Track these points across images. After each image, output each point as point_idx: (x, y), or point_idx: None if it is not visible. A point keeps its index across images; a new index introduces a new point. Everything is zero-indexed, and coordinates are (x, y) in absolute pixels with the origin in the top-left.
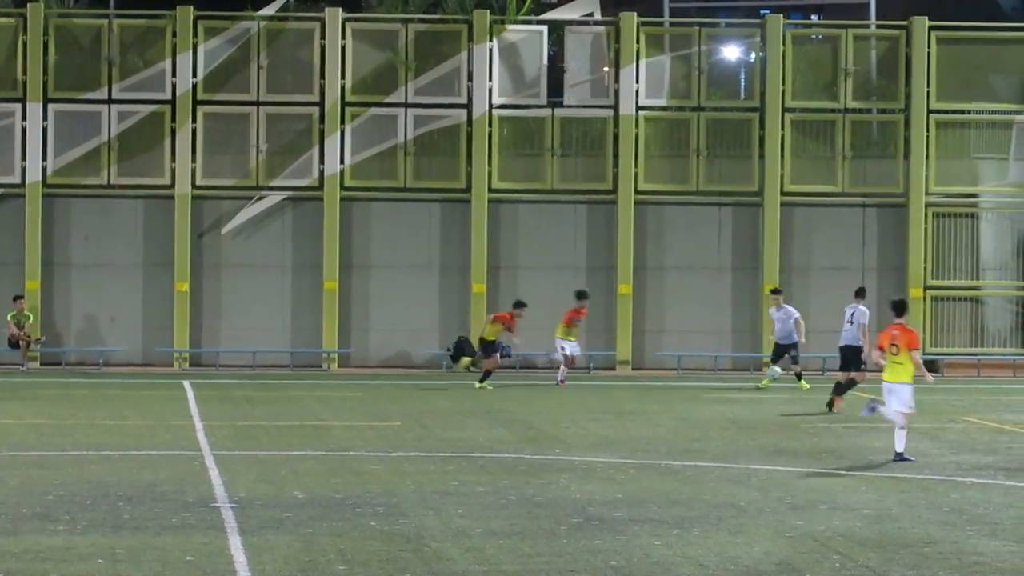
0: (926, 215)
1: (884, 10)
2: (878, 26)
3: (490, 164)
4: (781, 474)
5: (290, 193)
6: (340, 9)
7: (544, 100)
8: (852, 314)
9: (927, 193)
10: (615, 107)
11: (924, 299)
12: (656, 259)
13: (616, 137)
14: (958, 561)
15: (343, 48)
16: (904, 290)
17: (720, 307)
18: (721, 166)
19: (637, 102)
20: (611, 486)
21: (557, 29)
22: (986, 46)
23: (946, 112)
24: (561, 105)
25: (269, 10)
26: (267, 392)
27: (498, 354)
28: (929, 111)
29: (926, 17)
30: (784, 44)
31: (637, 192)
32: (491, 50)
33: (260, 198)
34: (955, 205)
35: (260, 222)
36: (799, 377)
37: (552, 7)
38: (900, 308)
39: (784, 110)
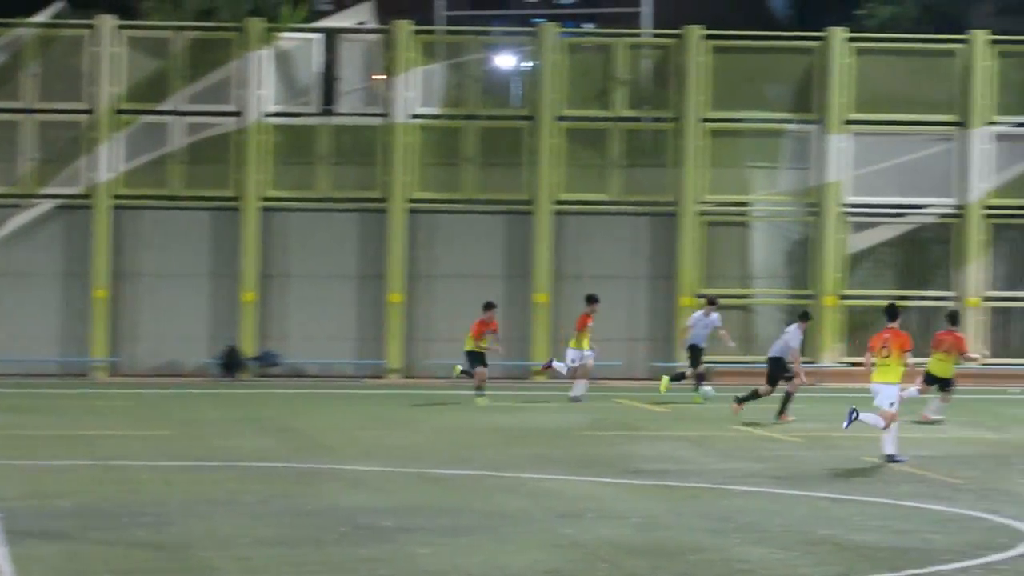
0: (697, 224)
1: (658, 19)
2: (652, 35)
3: (263, 172)
4: (551, 482)
5: (60, 201)
6: (112, 16)
7: (317, 108)
8: (785, 331)
9: (698, 202)
10: (388, 115)
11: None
12: (428, 267)
13: (389, 145)
14: (725, 569)
15: (115, 55)
16: (674, 298)
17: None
18: (494, 174)
19: (410, 110)
20: (380, 495)
21: (331, 37)
22: (759, 55)
23: (719, 121)
24: (334, 113)
25: (41, 17)
26: (34, 401)
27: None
28: (701, 120)
29: (699, 26)
30: (557, 53)
31: (410, 200)
32: (264, 58)
33: (27, 207)
34: (726, 214)
35: (30, 230)
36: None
37: (326, 15)
38: (893, 313)
39: (557, 119)
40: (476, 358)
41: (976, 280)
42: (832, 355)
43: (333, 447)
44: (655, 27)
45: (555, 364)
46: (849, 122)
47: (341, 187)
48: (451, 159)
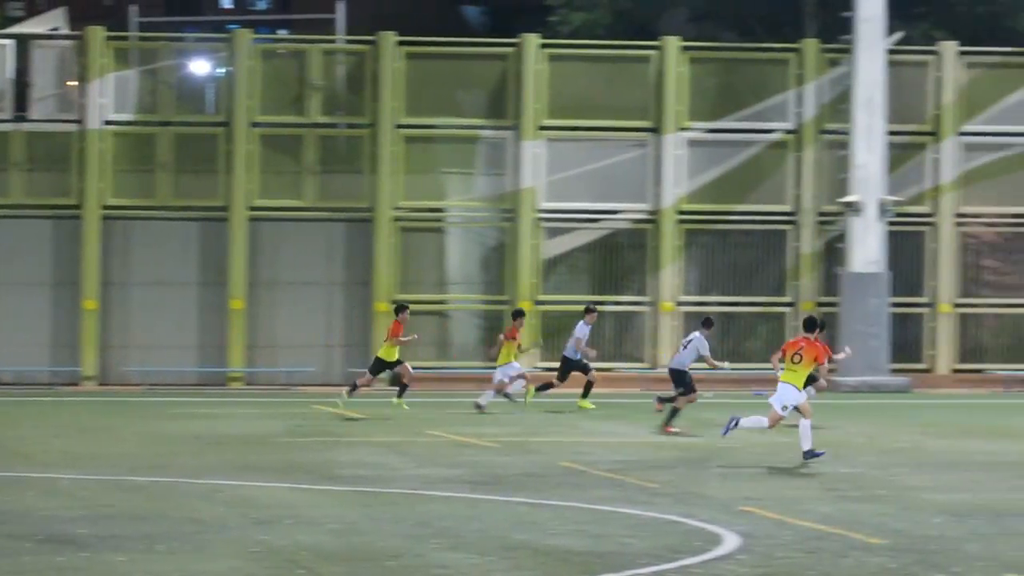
0: (393, 230)
1: (353, 26)
2: (347, 41)
3: None
4: (247, 489)
5: None
6: None
7: (10, 115)
8: (690, 341)
9: (394, 208)
10: (82, 122)
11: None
12: (123, 274)
13: (83, 152)
14: (423, 574)
15: None
16: (370, 304)
17: (186, 322)
18: (189, 181)
19: (104, 116)
20: (74, 502)
21: (23, 43)
22: (454, 62)
23: (413, 127)
24: (27, 119)
25: None
26: None
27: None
28: (396, 126)
29: (393, 33)
30: (251, 59)
31: (104, 207)
32: None
33: None
34: (422, 220)
35: None
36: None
37: (18, 21)
38: (811, 324)
39: (251, 125)
40: (387, 365)
41: (670, 285)
42: (528, 360)
43: (28, 455)
44: (349, 33)
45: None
46: (543, 128)
47: (34, 193)
48: (146, 165)
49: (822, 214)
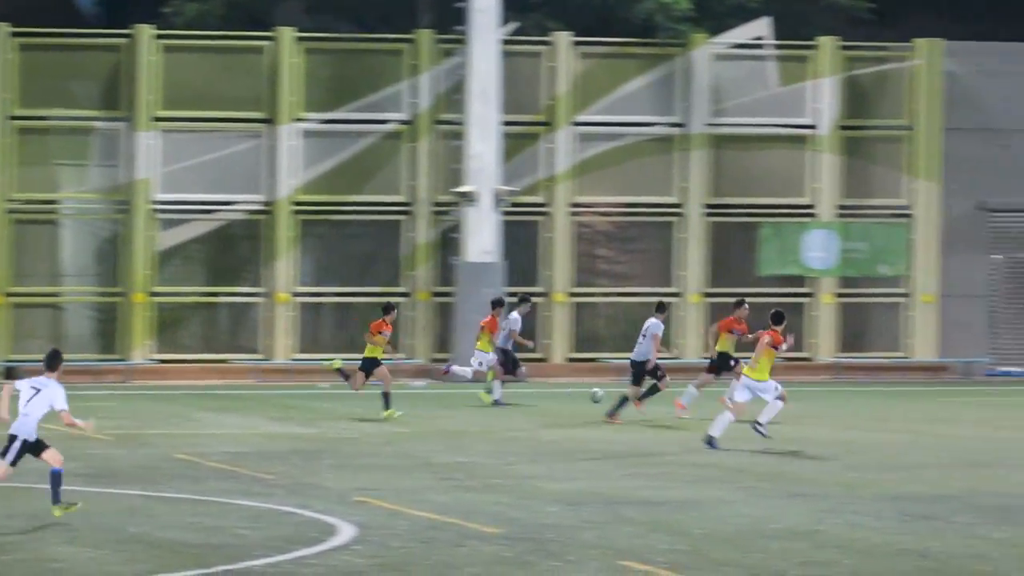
0: (6, 222)
1: None
2: None
3: None
4: None
5: None
6: None
7: None
8: (647, 329)
9: (6, 200)
10: None
11: (3, 306)
12: None
13: None
14: (37, 568)
15: None
16: None
17: None
18: None
19: None
20: None
21: None
22: (67, 52)
23: (26, 118)
24: None
25: None
26: None
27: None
28: (9, 117)
29: (5, 23)
30: None
31: None
32: None
33: None
34: (35, 212)
35: None
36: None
37: None
38: (778, 319)
39: None
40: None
41: (285, 276)
42: (143, 352)
43: None
44: None
45: (455, 368)
46: (158, 119)
47: None
48: None
49: (437, 204)
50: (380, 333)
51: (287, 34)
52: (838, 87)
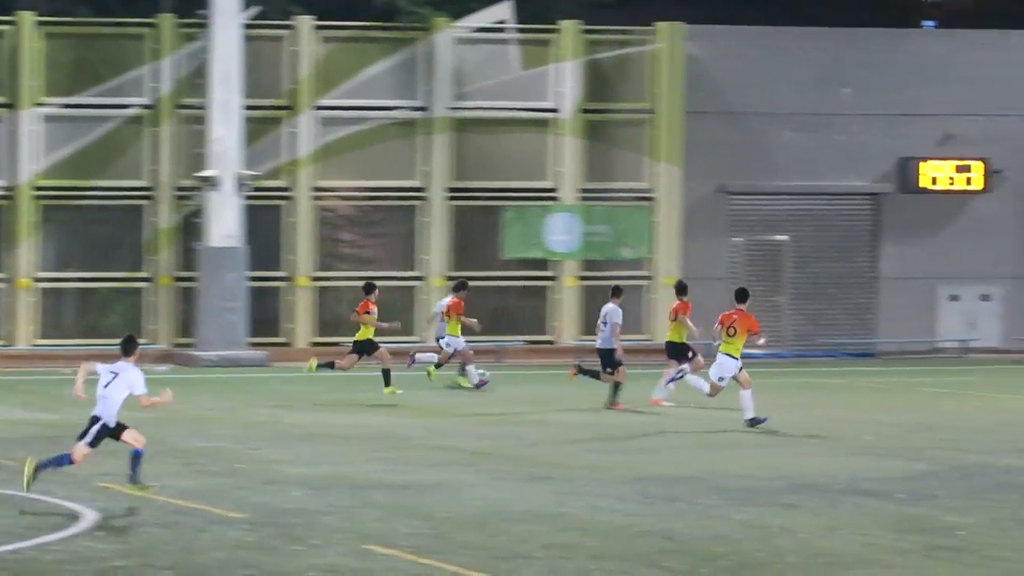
0: None
1: None
2: None
3: None
4: None
5: None
6: None
7: None
8: (605, 315)
9: None
10: None
11: None
12: None
13: None
14: None
15: None
16: None
17: None
18: None
19: None
20: None
21: None
22: None
23: None
24: None
25: None
26: None
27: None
28: None
29: None
30: None
31: None
32: None
33: None
34: None
35: None
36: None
37: None
38: (742, 296)
39: None
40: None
41: (27, 261)
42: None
43: None
44: None
45: (419, 356)
46: None
47: None
48: None
49: (180, 189)
50: (367, 313)
51: (27, 18)
52: (580, 71)
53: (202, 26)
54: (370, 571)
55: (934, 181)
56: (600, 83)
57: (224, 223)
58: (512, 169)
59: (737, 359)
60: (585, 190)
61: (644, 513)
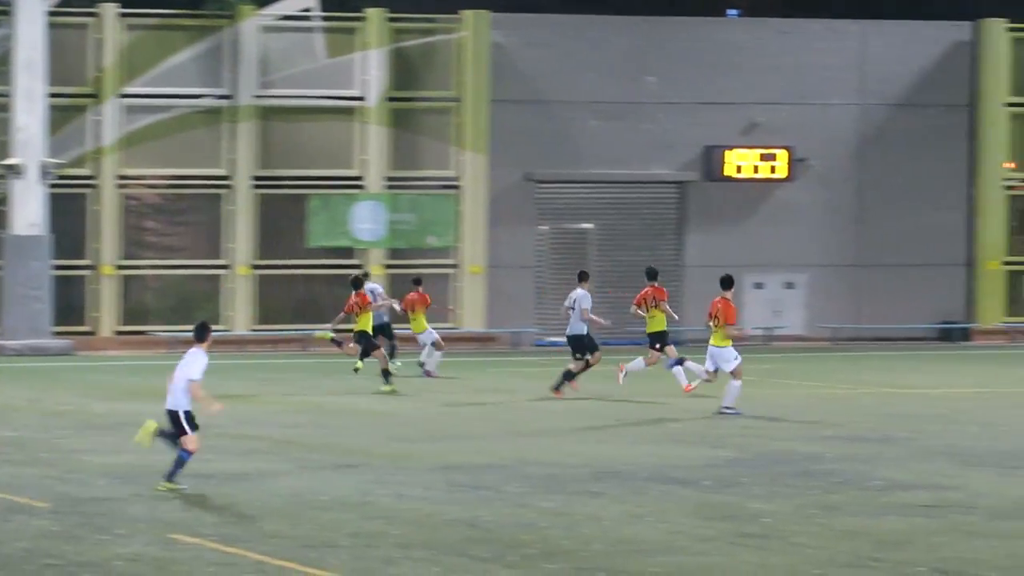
0: None
1: None
2: None
3: None
4: None
5: None
6: None
7: None
8: (574, 300)
9: None
10: None
11: None
12: None
13: None
14: None
15: None
16: None
17: None
18: None
19: None
20: None
21: None
22: None
23: None
24: None
25: None
26: None
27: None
28: None
29: None
30: None
31: None
32: None
33: None
34: None
35: None
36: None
37: None
38: (727, 283)
39: None
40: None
41: None
42: None
43: None
44: None
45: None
46: None
47: None
48: None
49: None
50: (368, 304)
51: None
52: (386, 59)
53: (5, 13)
54: (175, 560)
55: (739, 169)
56: (406, 71)
57: (28, 211)
58: (318, 157)
59: (728, 347)
60: (391, 178)
61: (450, 501)
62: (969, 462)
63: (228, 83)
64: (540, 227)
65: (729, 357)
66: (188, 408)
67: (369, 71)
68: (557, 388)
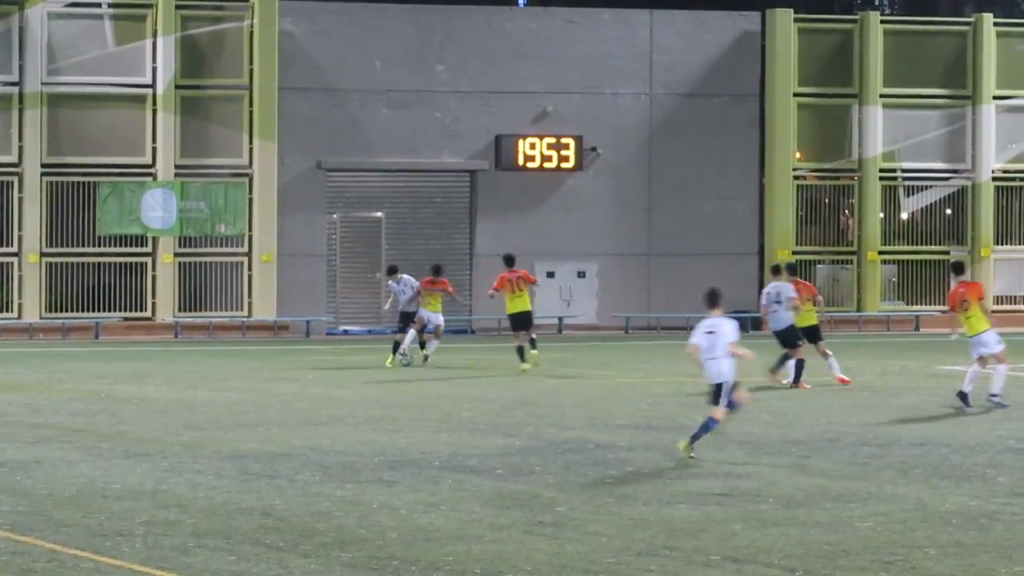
0: None
1: None
2: None
3: None
4: None
5: None
6: None
7: None
8: (778, 293)
9: None
10: None
11: None
12: None
13: None
14: None
15: None
16: None
17: None
18: None
19: None
20: None
21: None
22: None
23: None
24: None
25: None
26: None
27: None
28: None
29: None
30: None
31: None
32: None
33: None
34: None
35: None
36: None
37: None
38: (959, 268)
39: None
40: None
41: None
42: None
43: None
44: None
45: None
46: None
47: None
48: None
49: None
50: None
51: None
52: (175, 46)
53: None
54: None
55: (530, 159)
56: (196, 59)
57: None
58: (108, 145)
59: (990, 328)
60: (182, 166)
61: (244, 490)
62: (762, 450)
63: (16, 70)
64: (331, 215)
65: (993, 341)
66: (731, 380)
67: (158, 58)
68: (796, 381)
